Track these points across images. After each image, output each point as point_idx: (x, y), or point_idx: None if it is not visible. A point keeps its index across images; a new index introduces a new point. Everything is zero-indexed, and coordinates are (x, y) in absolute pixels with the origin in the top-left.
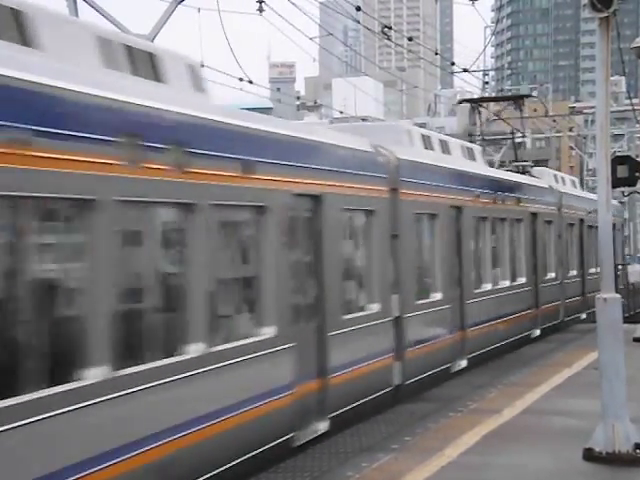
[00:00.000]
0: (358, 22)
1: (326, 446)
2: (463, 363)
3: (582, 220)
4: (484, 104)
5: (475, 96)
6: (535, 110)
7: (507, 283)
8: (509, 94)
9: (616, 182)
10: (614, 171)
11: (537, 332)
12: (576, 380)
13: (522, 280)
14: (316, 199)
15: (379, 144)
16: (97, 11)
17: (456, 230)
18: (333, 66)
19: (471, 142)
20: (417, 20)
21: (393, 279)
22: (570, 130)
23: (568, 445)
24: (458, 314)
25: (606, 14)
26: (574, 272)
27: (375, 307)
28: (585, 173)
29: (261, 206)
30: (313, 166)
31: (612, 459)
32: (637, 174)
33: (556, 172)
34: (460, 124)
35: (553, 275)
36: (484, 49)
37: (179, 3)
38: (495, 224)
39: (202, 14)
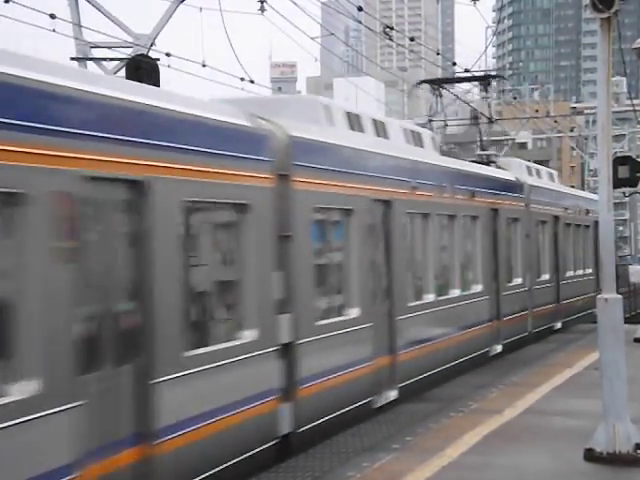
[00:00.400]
0: (360, 22)
1: (327, 446)
2: (392, 394)
3: (557, 217)
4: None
5: (477, 97)
6: (537, 111)
7: (457, 292)
8: (510, 91)
9: (617, 183)
10: (615, 171)
11: (498, 348)
12: (577, 380)
13: (478, 288)
14: (135, 186)
15: (283, 121)
16: (99, 10)
17: (383, 229)
18: (334, 66)
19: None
20: (419, 20)
21: (282, 294)
22: (571, 130)
23: (569, 445)
24: (385, 334)
25: (607, 15)
26: (546, 276)
27: (249, 334)
28: (586, 173)
29: (9, 193)
30: (128, 138)
31: (613, 459)
32: (638, 174)
33: (529, 164)
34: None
35: (519, 281)
36: (485, 49)
37: (180, 2)
38: (441, 222)
39: (204, 14)
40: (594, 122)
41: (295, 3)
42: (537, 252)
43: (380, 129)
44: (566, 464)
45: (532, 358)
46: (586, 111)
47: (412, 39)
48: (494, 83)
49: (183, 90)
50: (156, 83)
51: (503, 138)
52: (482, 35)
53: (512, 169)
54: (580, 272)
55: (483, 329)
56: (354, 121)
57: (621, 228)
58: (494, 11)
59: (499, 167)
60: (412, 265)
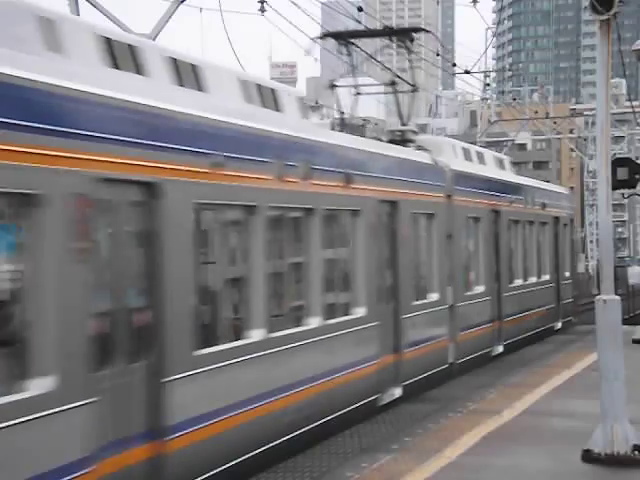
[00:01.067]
0: (359, 23)
1: (326, 446)
2: None
3: (498, 212)
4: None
5: (476, 98)
6: (536, 112)
7: (315, 323)
8: (510, 92)
9: (616, 184)
10: (614, 173)
11: (396, 392)
12: (576, 381)
13: (358, 313)
14: None
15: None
16: (99, 10)
17: (141, 231)
18: (334, 66)
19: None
20: (419, 21)
21: None
22: (571, 132)
23: (567, 446)
24: (138, 408)
25: (607, 17)
26: (480, 288)
27: None
28: (586, 175)
29: None
30: None
31: (611, 460)
32: (637, 176)
33: (470, 146)
34: (461, 125)
35: (435, 297)
36: (485, 51)
37: (181, 3)
38: (281, 219)
39: (204, 14)
40: (593, 123)
41: (295, 4)
42: (465, 257)
43: (187, 77)
44: (564, 465)
45: (531, 359)
46: (585, 112)
47: (412, 40)
48: (494, 84)
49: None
50: None
51: (502, 139)
52: (482, 36)
53: (441, 151)
54: (533, 280)
55: (366, 370)
56: (123, 56)
57: (620, 229)
58: (494, 12)
59: (421, 148)
60: (215, 289)
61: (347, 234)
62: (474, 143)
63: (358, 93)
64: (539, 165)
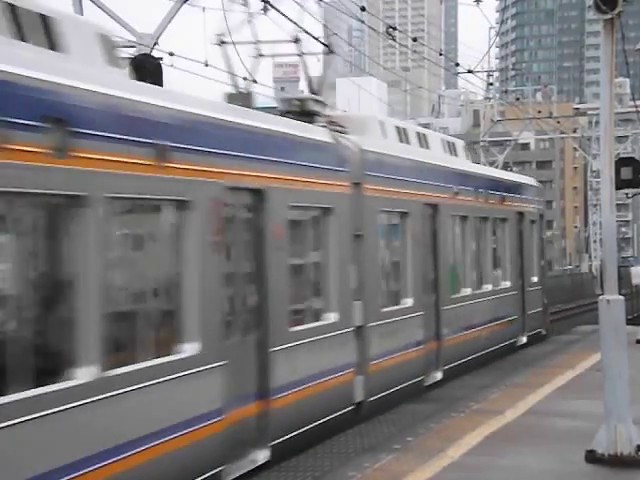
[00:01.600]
0: (363, 22)
1: (328, 446)
2: None
3: (435, 206)
4: None
5: (479, 98)
6: (539, 111)
7: (86, 376)
8: (513, 92)
9: (620, 184)
10: (618, 173)
11: (261, 456)
12: (579, 382)
13: (189, 351)
14: None
15: None
16: (102, 10)
17: None
18: (337, 66)
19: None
20: (422, 21)
21: None
22: (574, 131)
23: (570, 447)
24: None
25: (611, 16)
26: (408, 302)
27: None
28: (589, 174)
29: None
30: None
31: (614, 461)
32: None
33: (409, 126)
34: (464, 125)
35: (332, 318)
36: (488, 50)
37: (184, 2)
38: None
39: (207, 13)
40: (597, 123)
41: (298, 3)
42: (383, 264)
43: None
44: (567, 465)
45: (534, 359)
46: (589, 112)
47: (415, 39)
48: (497, 84)
49: (185, 89)
50: (159, 83)
51: (506, 139)
52: (485, 36)
53: (364, 129)
54: (487, 288)
55: (199, 434)
56: None
57: (623, 229)
58: (497, 12)
59: (333, 123)
60: None
61: (163, 236)
62: (477, 142)
63: (260, 54)
64: (542, 165)
